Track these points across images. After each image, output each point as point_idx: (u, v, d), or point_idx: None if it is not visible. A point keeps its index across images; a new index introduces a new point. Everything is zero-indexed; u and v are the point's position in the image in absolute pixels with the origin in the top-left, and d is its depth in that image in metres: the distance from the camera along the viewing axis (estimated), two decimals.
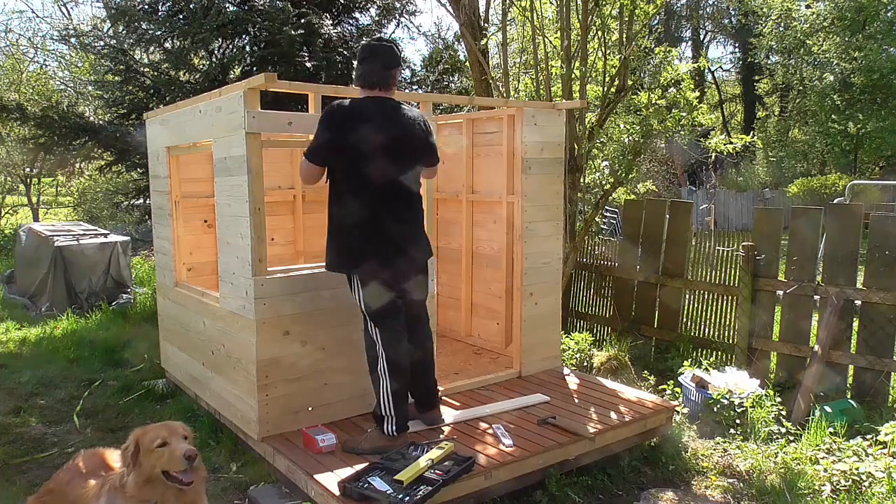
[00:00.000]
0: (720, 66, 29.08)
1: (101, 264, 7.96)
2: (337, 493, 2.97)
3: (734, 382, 4.50)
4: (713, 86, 28.69)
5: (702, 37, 30.30)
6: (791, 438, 4.14)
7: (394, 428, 3.40)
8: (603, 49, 6.15)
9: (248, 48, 8.36)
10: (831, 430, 4.08)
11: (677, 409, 4.39)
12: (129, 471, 2.45)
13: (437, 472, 3.05)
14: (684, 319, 5.65)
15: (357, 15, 9.36)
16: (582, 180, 6.23)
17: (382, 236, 3.32)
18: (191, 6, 7.97)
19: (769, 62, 24.48)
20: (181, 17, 8.12)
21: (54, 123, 8.25)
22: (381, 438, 3.41)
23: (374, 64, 3.33)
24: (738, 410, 4.29)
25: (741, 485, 3.69)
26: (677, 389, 4.77)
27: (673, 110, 6.12)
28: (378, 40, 3.46)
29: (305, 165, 3.36)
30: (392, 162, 3.30)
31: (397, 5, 9.51)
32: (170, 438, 2.45)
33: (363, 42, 3.36)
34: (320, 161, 3.31)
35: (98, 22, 16.46)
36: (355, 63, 3.34)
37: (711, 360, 5.25)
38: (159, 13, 8.21)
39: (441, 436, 3.62)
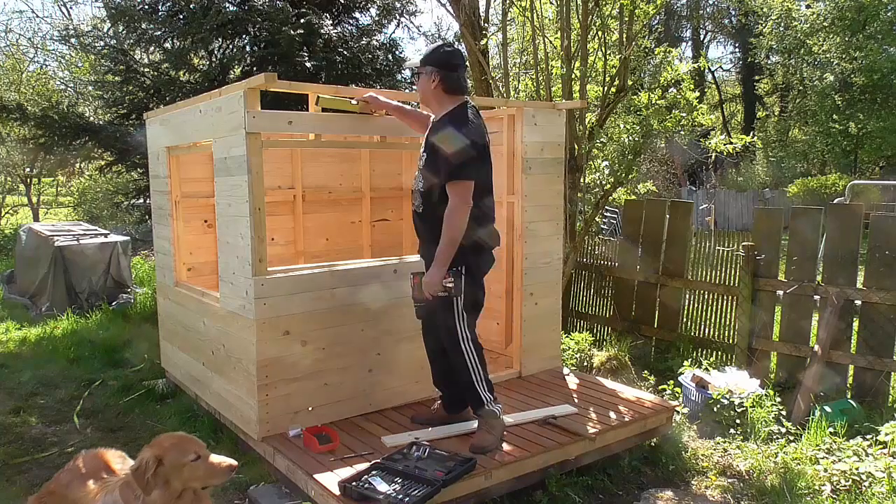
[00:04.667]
0: (720, 66, 29.09)
1: (101, 264, 7.96)
2: (337, 492, 2.97)
3: (734, 382, 4.50)
4: (713, 86, 28.68)
5: (702, 37, 30.30)
6: (791, 438, 4.14)
7: (498, 409, 3.51)
8: (603, 49, 6.15)
9: (248, 48, 8.35)
10: (831, 430, 4.09)
11: (677, 409, 4.39)
12: (149, 490, 2.33)
13: (438, 471, 3.06)
14: (684, 319, 5.65)
15: (357, 15, 9.36)
16: (582, 180, 6.23)
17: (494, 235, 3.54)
18: (191, 6, 7.97)
19: (769, 62, 24.47)
20: (181, 17, 8.11)
21: (54, 123, 8.24)
22: (495, 425, 3.49)
23: (463, 70, 3.43)
24: (738, 410, 4.29)
25: (741, 485, 3.69)
26: (677, 389, 4.77)
27: (673, 110, 6.12)
28: (451, 45, 3.56)
29: (468, 188, 3.26)
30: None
31: (397, 5, 9.50)
32: (201, 451, 2.41)
33: (447, 47, 3.45)
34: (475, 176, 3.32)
35: (98, 22, 16.44)
36: (438, 69, 3.36)
37: (711, 360, 5.25)
38: (159, 13, 8.20)
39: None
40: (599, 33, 6.15)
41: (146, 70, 8.47)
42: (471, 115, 3.36)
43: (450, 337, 3.44)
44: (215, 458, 2.41)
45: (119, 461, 2.76)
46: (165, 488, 2.36)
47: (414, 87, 4.00)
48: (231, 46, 8.36)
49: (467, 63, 3.52)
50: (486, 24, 7.43)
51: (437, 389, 3.86)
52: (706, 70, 25.39)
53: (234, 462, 2.43)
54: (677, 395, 4.75)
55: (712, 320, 5.50)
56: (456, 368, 3.50)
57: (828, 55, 19.39)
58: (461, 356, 3.44)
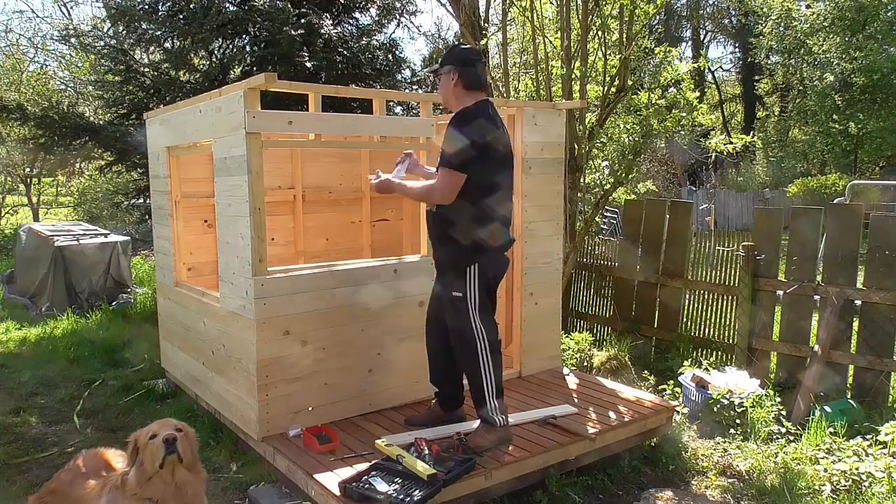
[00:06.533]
0: (720, 66, 29.11)
1: (101, 264, 7.95)
2: (337, 493, 2.97)
3: (734, 382, 4.50)
4: (713, 86, 28.69)
5: (702, 37, 30.31)
6: (791, 438, 4.14)
7: (501, 418, 3.43)
8: (603, 49, 6.15)
9: (248, 48, 8.36)
10: (831, 430, 4.09)
11: (677, 409, 4.39)
12: (130, 470, 2.46)
13: (438, 471, 3.05)
14: (684, 319, 5.65)
15: (357, 15, 9.37)
16: (582, 180, 6.23)
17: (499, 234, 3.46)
18: (191, 6, 7.97)
19: (769, 62, 24.49)
20: (181, 17, 8.12)
21: (54, 123, 8.25)
22: (494, 430, 3.42)
23: (481, 66, 3.47)
24: (738, 410, 4.29)
25: (741, 485, 3.69)
26: (677, 389, 4.77)
27: (673, 110, 6.12)
28: (467, 45, 3.56)
29: (454, 180, 3.28)
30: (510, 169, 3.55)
31: (397, 5, 9.51)
32: (160, 430, 2.46)
33: (463, 46, 3.53)
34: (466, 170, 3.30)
35: (98, 22, 16.46)
36: (454, 66, 3.41)
37: (711, 360, 5.25)
38: (159, 13, 8.20)
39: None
40: (599, 33, 6.15)
41: (146, 70, 8.48)
42: (480, 114, 3.33)
43: (462, 337, 3.42)
44: (162, 434, 2.44)
45: (119, 460, 2.77)
46: (139, 469, 2.44)
47: (414, 87, 4.01)
48: (231, 46, 8.37)
49: (484, 60, 3.50)
50: (486, 24, 7.43)
51: (433, 387, 3.86)
52: (706, 70, 25.41)
53: (170, 433, 2.43)
54: (677, 395, 4.75)
55: (712, 320, 5.50)
56: (467, 369, 3.47)
57: (828, 55, 19.39)
58: (475, 356, 3.39)
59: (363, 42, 8.66)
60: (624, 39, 6.03)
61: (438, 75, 3.50)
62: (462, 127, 3.27)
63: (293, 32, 7.46)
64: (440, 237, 3.44)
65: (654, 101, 6.06)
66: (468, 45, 3.54)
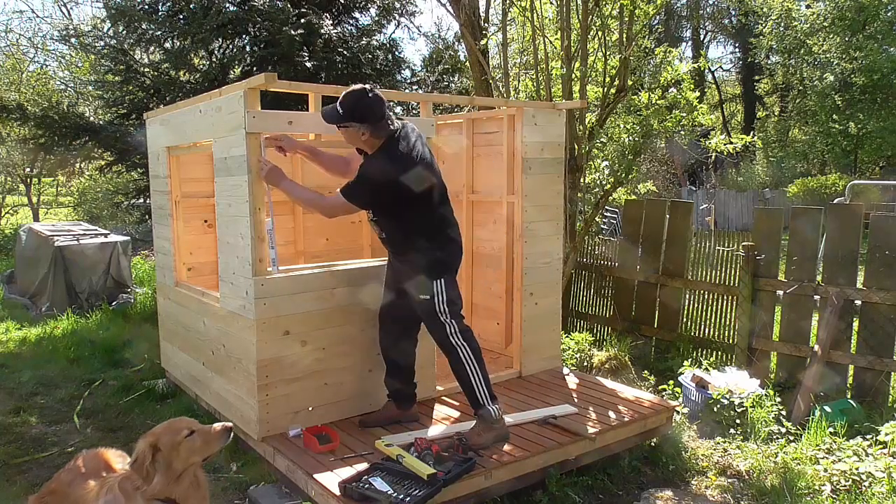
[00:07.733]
0: (720, 66, 29.10)
1: (101, 264, 7.96)
2: (337, 492, 2.97)
3: (734, 382, 4.50)
4: (713, 86, 28.69)
5: (702, 37, 30.30)
6: (791, 438, 4.14)
7: (496, 409, 3.48)
8: (603, 49, 6.15)
9: (248, 48, 8.37)
10: (831, 430, 4.09)
11: (677, 409, 4.39)
12: (150, 478, 2.37)
13: (438, 471, 3.06)
14: (684, 319, 5.65)
15: (357, 15, 9.37)
16: (582, 180, 6.23)
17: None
18: (191, 6, 7.98)
19: (769, 62, 24.49)
20: (181, 17, 8.13)
21: (54, 123, 8.25)
22: (492, 428, 3.46)
23: (379, 109, 3.36)
24: (738, 410, 4.29)
25: (741, 485, 3.69)
26: (677, 389, 4.77)
27: (673, 110, 6.12)
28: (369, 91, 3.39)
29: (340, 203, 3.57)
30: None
31: (397, 5, 9.51)
32: (192, 426, 2.45)
33: (366, 98, 3.32)
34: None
35: (98, 22, 16.44)
36: (363, 125, 3.35)
37: (711, 360, 5.25)
38: (159, 13, 8.21)
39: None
40: (599, 33, 6.15)
41: (146, 70, 8.48)
42: (386, 155, 3.38)
43: (440, 336, 3.53)
44: (210, 427, 2.44)
45: (119, 460, 2.76)
46: (167, 472, 2.39)
47: (414, 87, 4.01)
48: (231, 46, 8.37)
49: (381, 97, 3.40)
50: (486, 24, 7.43)
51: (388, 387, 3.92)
52: (706, 70, 25.40)
53: (227, 424, 2.44)
54: (677, 395, 4.75)
55: (712, 320, 5.50)
56: (452, 368, 3.55)
57: (828, 55, 19.39)
58: (454, 352, 3.49)
59: (363, 42, 8.66)
60: (624, 39, 6.03)
61: (341, 127, 3.42)
62: (365, 169, 3.44)
63: (293, 32, 7.47)
64: (401, 250, 3.62)
65: (654, 102, 6.06)
66: (371, 94, 3.33)
